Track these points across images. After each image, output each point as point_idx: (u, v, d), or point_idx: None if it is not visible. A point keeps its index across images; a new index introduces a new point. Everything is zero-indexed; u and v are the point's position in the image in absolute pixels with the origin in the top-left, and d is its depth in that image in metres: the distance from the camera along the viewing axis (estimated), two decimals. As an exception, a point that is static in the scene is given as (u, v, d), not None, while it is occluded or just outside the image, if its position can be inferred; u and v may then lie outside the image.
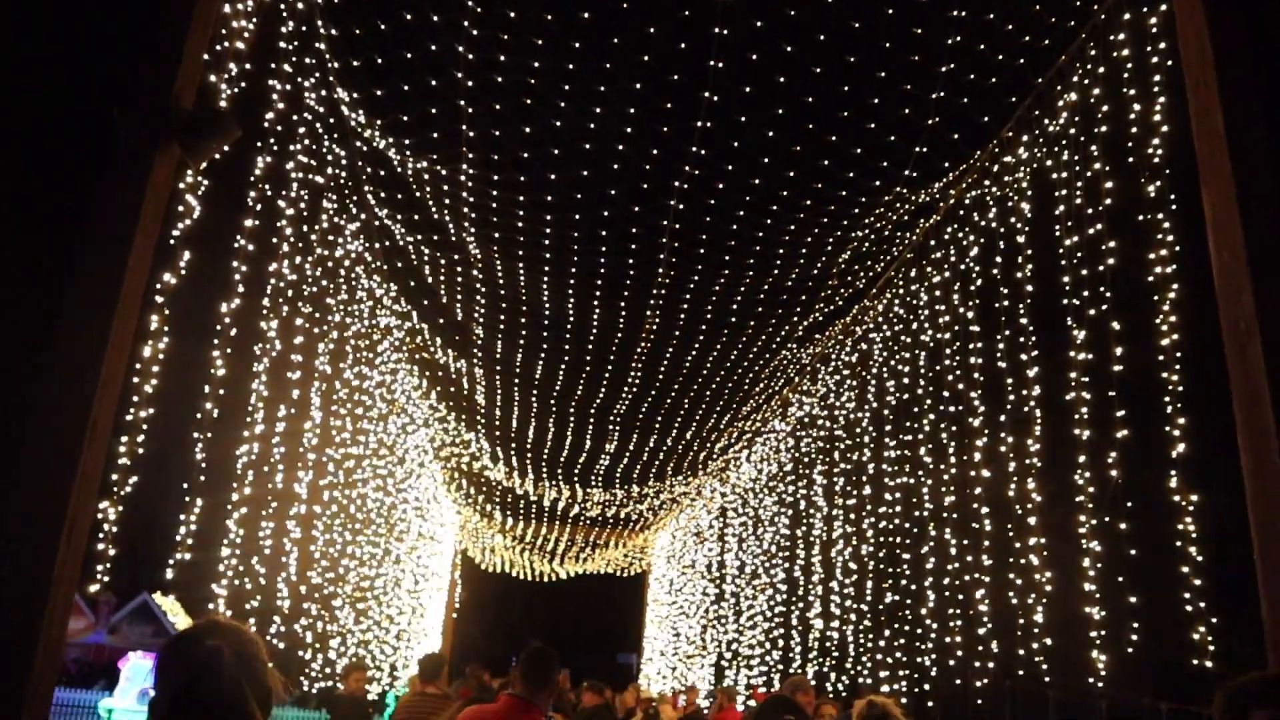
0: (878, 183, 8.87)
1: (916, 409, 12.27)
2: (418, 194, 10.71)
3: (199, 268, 8.64)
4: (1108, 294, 8.29)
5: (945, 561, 11.39)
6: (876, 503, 13.45)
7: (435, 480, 24.49)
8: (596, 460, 18.18)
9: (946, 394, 11.45)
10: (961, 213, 11.23)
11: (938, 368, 11.70)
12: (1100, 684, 7.56)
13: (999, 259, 10.37)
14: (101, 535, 7.68)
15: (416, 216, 11.12)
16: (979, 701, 11.84)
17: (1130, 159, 8.06)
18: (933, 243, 11.93)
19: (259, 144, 9.21)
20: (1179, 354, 7.49)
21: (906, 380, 12.71)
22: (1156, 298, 7.71)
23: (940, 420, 11.64)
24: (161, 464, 9.37)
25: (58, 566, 4.37)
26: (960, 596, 11.20)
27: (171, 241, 7.92)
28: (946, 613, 11.52)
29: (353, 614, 15.89)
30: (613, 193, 8.90)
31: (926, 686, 12.11)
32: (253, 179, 9.17)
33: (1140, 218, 7.99)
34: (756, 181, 8.71)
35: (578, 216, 9.25)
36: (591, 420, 15.43)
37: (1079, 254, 8.76)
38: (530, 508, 25.11)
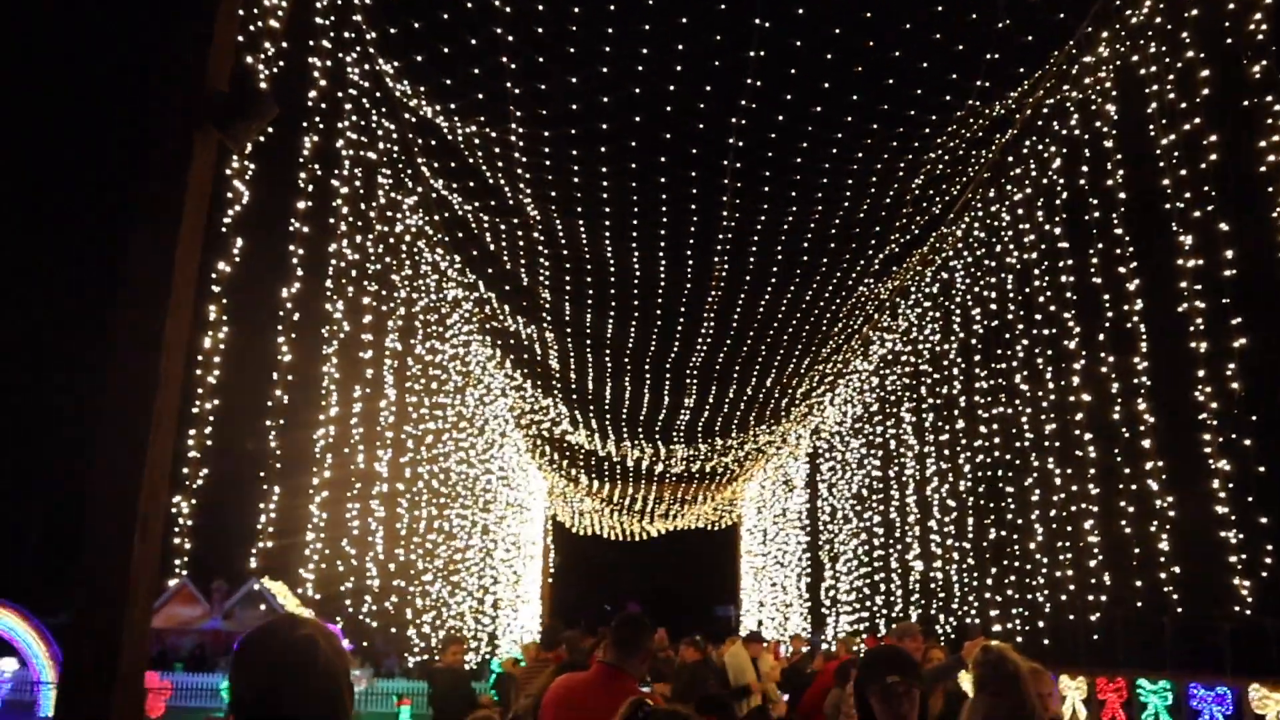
0: (948, 97, 8.31)
1: (1007, 335, 11.68)
2: (470, 160, 10.43)
3: (254, 253, 8.51)
4: (1213, 192, 7.65)
5: (1051, 493, 10.85)
6: (971, 436, 12.90)
7: (519, 449, 24.49)
8: (677, 416, 17.87)
9: (1038, 317, 10.84)
10: (1040, 124, 10.54)
11: (1026, 290, 11.08)
12: (1240, 609, 7.03)
13: (1085, 168, 9.70)
14: (177, 529, 7.64)
15: (472, 183, 10.85)
16: (1094, 637, 11.38)
17: (1229, 39, 7.38)
18: (1011, 159, 11.26)
19: (304, 123, 8.99)
20: (1299, 249, 6.84)
21: (994, 306, 12.10)
22: (1271, 189, 7.05)
23: (1034, 345, 11.04)
24: (233, 455, 9.34)
25: (134, 560, 4.44)
26: (1069, 528, 10.68)
27: (223, 229, 7.82)
28: (1055, 546, 11.01)
29: (446, 587, 15.92)
30: (668, 136, 8.49)
31: (1040, 624, 11.61)
32: (302, 159, 8.97)
33: (1245, 103, 7.32)
34: (818, 109, 8.21)
35: (634, 165, 8.86)
36: (668, 375, 15.10)
37: (1176, 153, 8.10)
38: (615, 469, 24.99)
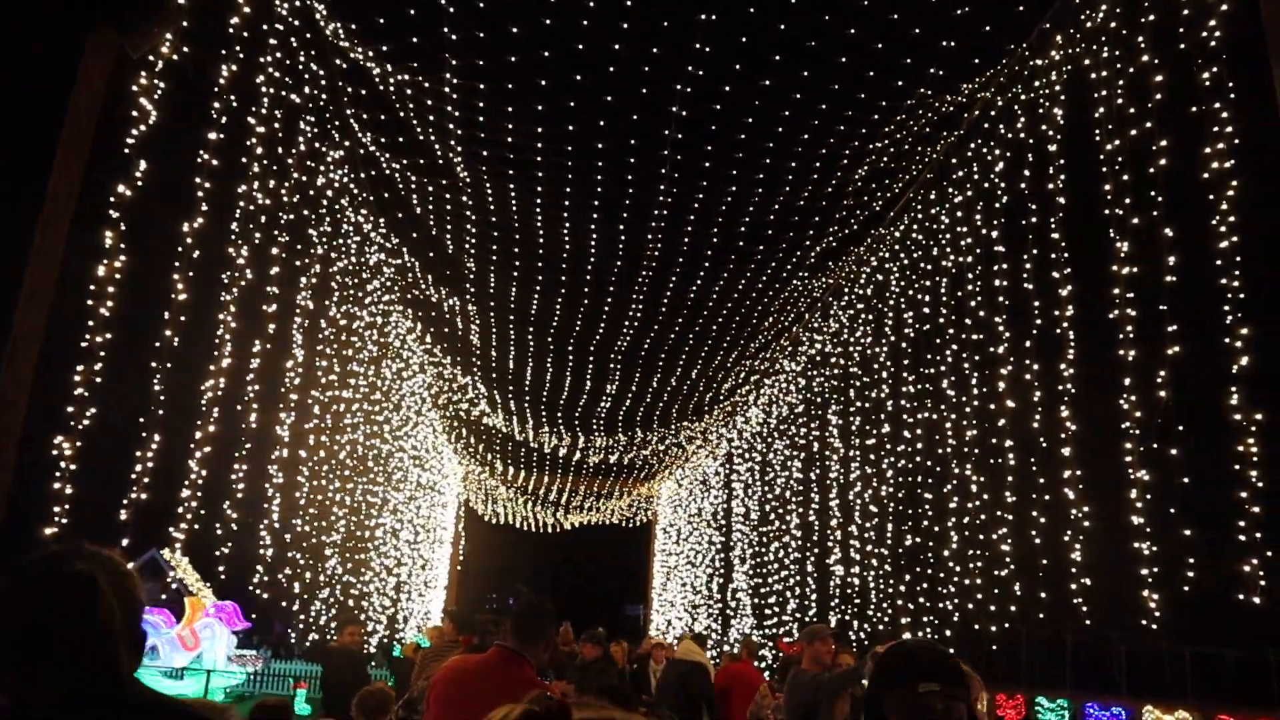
0: (900, 82, 8.06)
1: (937, 340, 11.54)
2: (401, 113, 9.92)
3: (159, 181, 7.93)
4: (1159, 198, 7.53)
5: (967, 500, 10.72)
6: (896, 441, 12.76)
7: (435, 429, 23.89)
8: (597, 403, 17.45)
9: (969, 322, 10.71)
10: (986, 125, 10.41)
11: (959, 294, 10.95)
12: (1148, 623, 6.89)
13: (1027, 172, 9.58)
14: (58, 473, 7.03)
15: (401, 138, 10.34)
16: (994, 647, 11.26)
17: (1182, 45, 7.27)
18: (954, 160, 11.12)
19: (223, 50, 8.44)
20: (1238, 258, 6.74)
21: (926, 310, 11.97)
22: (1213, 196, 6.94)
23: (963, 350, 10.92)
24: (125, 397, 8.70)
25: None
26: (981, 536, 10.56)
27: (126, 150, 7.24)
28: (968, 554, 10.89)
29: (345, 564, 15.30)
30: (609, 99, 8.11)
31: (948, 633, 11.47)
32: (217, 88, 8.42)
33: (1194, 109, 7.21)
34: (766, 83, 7.91)
35: (571, 128, 8.46)
36: (591, 359, 14.69)
37: (1121, 158, 7.98)
38: (532, 456, 24.50)
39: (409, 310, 16.04)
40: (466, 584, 34.65)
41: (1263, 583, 5.98)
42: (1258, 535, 6.17)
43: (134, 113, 7.23)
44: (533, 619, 4.76)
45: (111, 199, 6.73)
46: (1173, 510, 6.96)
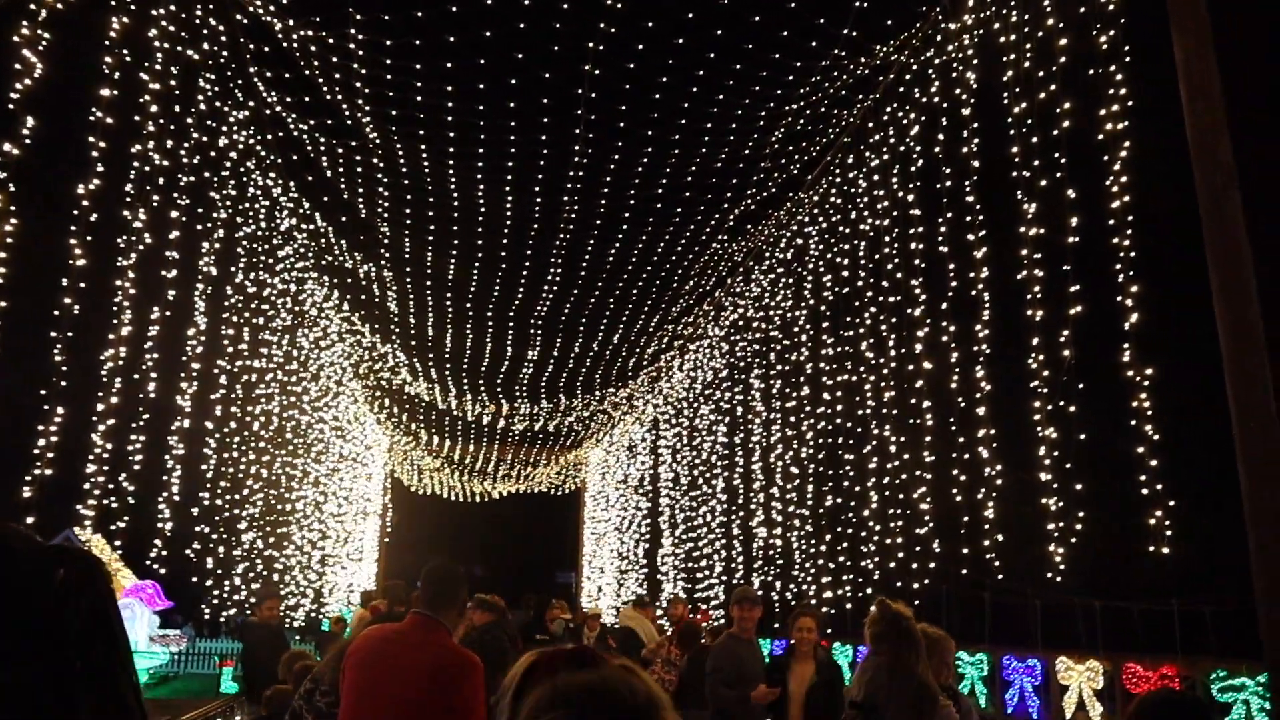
0: (814, 43, 8.00)
1: (856, 303, 11.61)
2: (306, 71, 9.60)
3: (50, 140, 7.55)
4: (1062, 160, 7.61)
5: (887, 460, 10.85)
6: (816, 404, 12.85)
7: (356, 400, 23.49)
8: (519, 369, 17.27)
9: (886, 284, 10.79)
10: (901, 89, 10.44)
11: (877, 257, 11.01)
12: (1052, 575, 7.02)
13: (942, 136, 9.64)
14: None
15: (307, 99, 10.02)
16: (915, 602, 11.43)
17: (1082, 8, 7.32)
18: (871, 124, 11.14)
19: (112, 1, 8.05)
20: (1129, 217, 6.85)
21: (845, 274, 12.02)
22: (1107, 158, 7.04)
23: (880, 312, 11.00)
24: (22, 368, 8.34)
25: None
26: (901, 496, 10.70)
27: (10, 105, 6.86)
28: (888, 513, 11.03)
29: (266, 538, 14.97)
30: (520, 56, 7.92)
31: (869, 591, 11.62)
32: (108, 42, 8.03)
33: (1091, 72, 7.28)
34: (680, 40, 7.79)
35: (481, 86, 8.25)
36: (511, 324, 14.50)
37: (1029, 120, 8.05)
38: (457, 425, 24.23)
39: (324, 277, 15.67)
40: (395, 556, 34.28)
41: (1169, 533, 6.11)
42: (1159, 487, 6.30)
43: (17, 65, 6.87)
44: (445, 584, 4.69)
45: (-1, 157, 6.39)
46: (1069, 466, 7.09)
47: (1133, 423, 6.40)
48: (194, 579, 12.60)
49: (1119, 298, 6.66)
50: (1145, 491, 6.36)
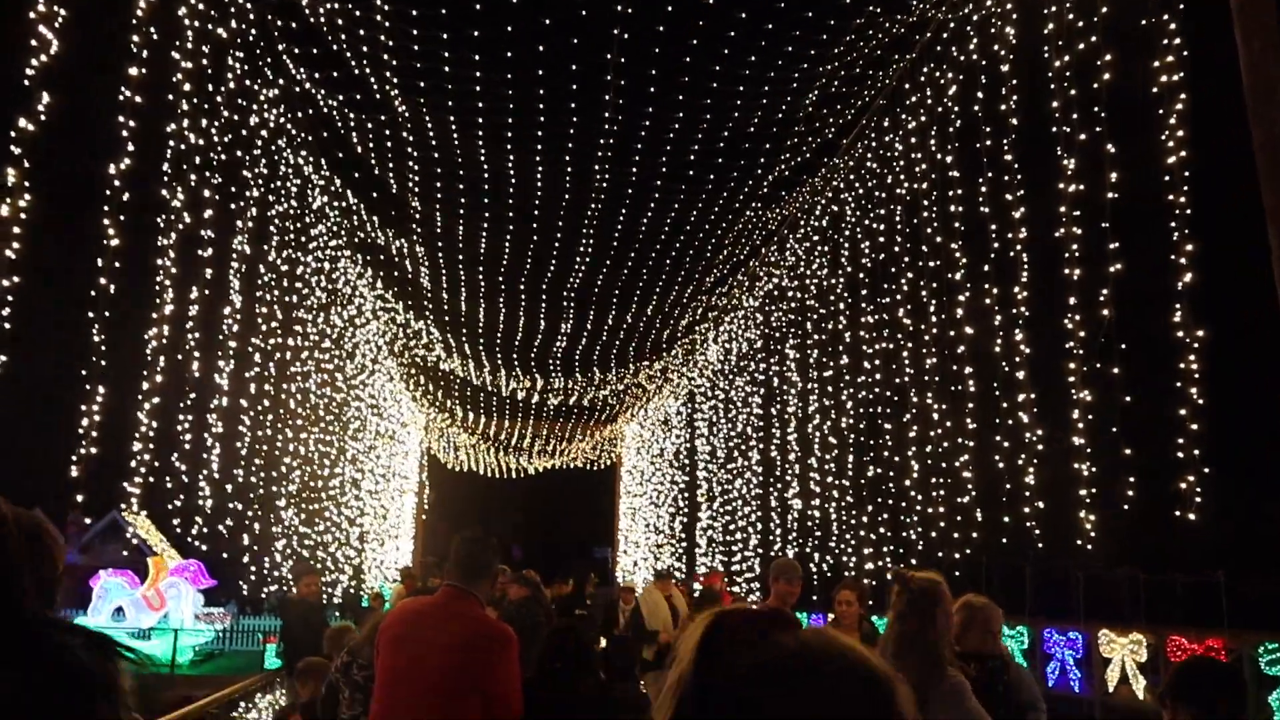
0: (849, 1, 7.81)
1: (894, 269, 11.43)
2: (333, 46, 9.55)
3: (69, 117, 7.53)
4: (1102, 114, 7.39)
5: (928, 428, 10.68)
6: (855, 373, 12.69)
7: (392, 377, 23.61)
8: (553, 343, 17.21)
9: (925, 249, 10.60)
10: (939, 48, 10.21)
11: (915, 221, 10.81)
12: (1083, 543, 6.83)
13: (980, 95, 9.42)
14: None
15: (335, 73, 9.96)
16: (955, 574, 11.27)
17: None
18: (908, 86, 10.92)
19: (137, -21, 8.00)
20: (1186, 173, 6.62)
21: (882, 239, 11.83)
22: (1162, 112, 6.81)
23: (919, 278, 10.81)
24: (53, 347, 8.39)
25: None
26: (944, 464, 10.53)
27: (25, 81, 6.83)
28: (930, 482, 10.87)
29: (302, 515, 15.07)
30: (547, 22, 7.80)
31: (913, 562, 11.48)
32: (135, 20, 7.99)
33: (1143, 22, 7.05)
34: (711, 1, 7.63)
35: (509, 54, 8.14)
36: (544, 297, 14.44)
37: (1069, 74, 7.83)
38: (492, 401, 24.28)
39: (357, 255, 15.69)
40: (433, 532, 34.57)
41: (1199, 499, 5.93)
42: (1195, 453, 6.10)
43: (32, 41, 6.83)
44: (476, 554, 4.64)
45: (13, 133, 6.37)
46: (1114, 429, 6.90)
47: (1178, 384, 6.20)
48: (232, 556, 12.70)
49: (1172, 256, 6.44)
50: (1181, 455, 6.17)
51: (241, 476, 12.01)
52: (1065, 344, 7.27)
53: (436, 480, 35.05)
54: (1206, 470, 5.96)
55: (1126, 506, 6.63)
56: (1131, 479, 6.69)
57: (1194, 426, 6.05)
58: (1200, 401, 6.05)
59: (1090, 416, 7.28)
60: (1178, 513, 5.92)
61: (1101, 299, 7.02)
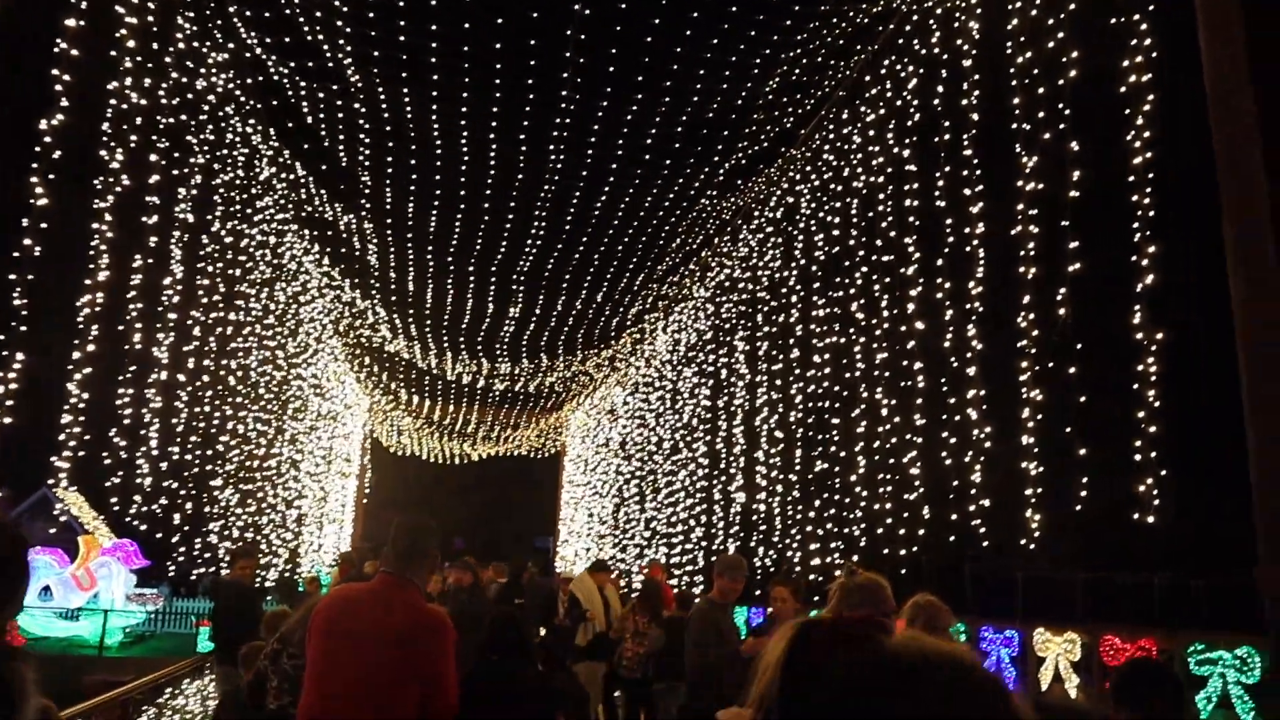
0: (813, -13, 7.70)
1: (847, 262, 11.37)
2: (286, 10, 9.23)
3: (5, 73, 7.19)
4: (1067, 112, 7.37)
5: (877, 424, 10.64)
6: (804, 366, 12.62)
7: (336, 357, 23.17)
8: (501, 327, 16.95)
9: (880, 243, 10.56)
10: (900, 41, 10.17)
11: (870, 215, 10.77)
12: (1027, 543, 6.81)
13: (940, 89, 9.38)
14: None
15: (287, 39, 9.63)
16: (903, 572, 11.26)
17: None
18: (868, 78, 10.87)
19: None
20: (1151, 174, 6.61)
21: (836, 232, 11.78)
22: (1129, 111, 6.79)
23: (873, 272, 10.77)
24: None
25: None
26: (891, 460, 10.50)
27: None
28: (877, 478, 10.84)
29: (237, 495, 14.68)
30: (507, -6, 7.60)
31: (855, 558, 11.43)
32: (73, -28, 7.64)
33: (1112, 20, 7.03)
34: (675, -20, 7.47)
35: (466, 25, 7.92)
36: (493, 280, 14.18)
37: (1034, 70, 7.80)
38: (437, 385, 23.93)
39: (304, 230, 15.30)
40: (374, 517, 34.11)
41: (1156, 502, 5.91)
42: (1153, 455, 6.09)
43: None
44: (415, 539, 4.46)
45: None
46: (1068, 429, 6.88)
47: (1135, 386, 6.18)
48: (165, 536, 12.31)
49: (1134, 257, 6.42)
50: (1139, 458, 6.16)
51: (178, 454, 11.63)
52: (1019, 342, 7.23)
53: (379, 464, 34.59)
54: (1164, 472, 5.94)
55: (1080, 507, 6.61)
56: (1085, 479, 6.66)
57: (1152, 429, 6.03)
58: (1157, 404, 6.03)
59: (1040, 416, 7.25)
60: (1136, 515, 5.90)
61: (1059, 298, 6.98)
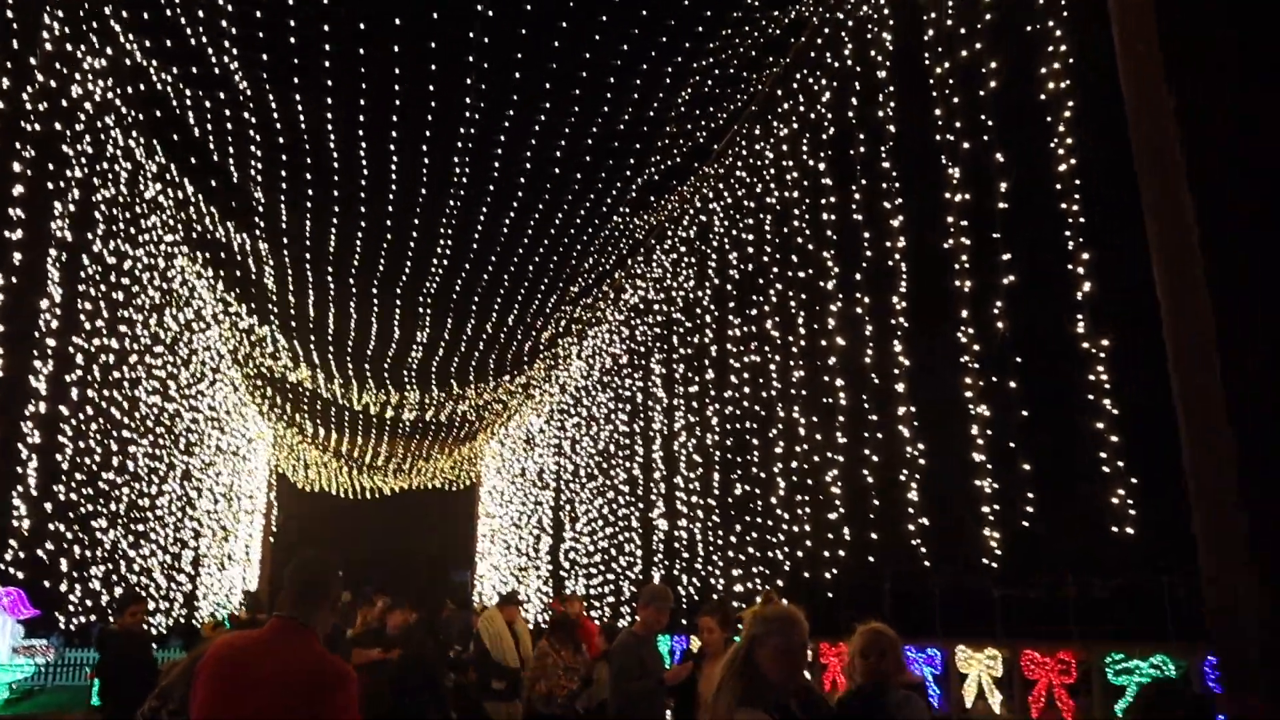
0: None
1: (762, 280, 11.10)
2: (167, 11, 8.62)
3: None
4: (989, 122, 7.19)
5: (795, 443, 10.34)
6: (721, 387, 12.30)
7: (236, 388, 22.16)
8: (408, 353, 16.28)
9: (795, 259, 10.30)
10: (813, 54, 9.97)
11: (785, 231, 10.52)
12: (988, 561, 6.55)
13: (855, 101, 9.19)
14: None
15: (169, 42, 9.01)
16: (830, 595, 10.98)
17: (1012, -41, 6.92)
18: (780, 92, 10.66)
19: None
20: (1077, 180, 6.43)
21: (751, 249, 11.51)
22: (1050, 118, 6.62)
23: (789, 289, 10.50)
24: None
25: None
26: (810, 480, 10.20)
27: None
28: (796, 500, 10.52)
29: (125, 537, 13.73)
30: (404, -8, 7.13)
31: (780, 583, 11.09)
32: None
33: (1029, 28, 6.88)
34: (581, -17, 7.11)
35: (362, 25, 7.43)
36: (398, 303, 13.55)
37: (951, 80, 7.62)
38: (343, 416, 23.03)
39: (196, 253, 14.49)
40: (281, 556, 32.81)
41: (1132, 512, 5.68)
42: (1120, 464, 5.86)
43: None
44: (313, 581, 4.00)
45: None
46: (1012, 445, 6.63)
47: (1090, 396, 5.95)
48: (51, 583, 11.33)
49: (1068, 265, 6.21)
50: (1107, 470, 5.92)
51: (62, 494, 10.72)
52: (956, 356, 6.96)
53: (286, 500, 33.33)
54: (1134, 480, 5.73)
55: (1027, 524, 6.36)
56: (1030, 494, 6.42)
57: (1114, 439, 5.81)
58: (1115, 412, 5.81)
59: (989, 431, 7.00)
60: (1114, 528, 5.65)
61: (996, 311, 6.74)
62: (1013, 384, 6.69)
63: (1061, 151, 6.51)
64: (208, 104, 9.56)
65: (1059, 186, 6.42)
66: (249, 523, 27.90)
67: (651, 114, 9.25)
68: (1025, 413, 6.58)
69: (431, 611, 15.84)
